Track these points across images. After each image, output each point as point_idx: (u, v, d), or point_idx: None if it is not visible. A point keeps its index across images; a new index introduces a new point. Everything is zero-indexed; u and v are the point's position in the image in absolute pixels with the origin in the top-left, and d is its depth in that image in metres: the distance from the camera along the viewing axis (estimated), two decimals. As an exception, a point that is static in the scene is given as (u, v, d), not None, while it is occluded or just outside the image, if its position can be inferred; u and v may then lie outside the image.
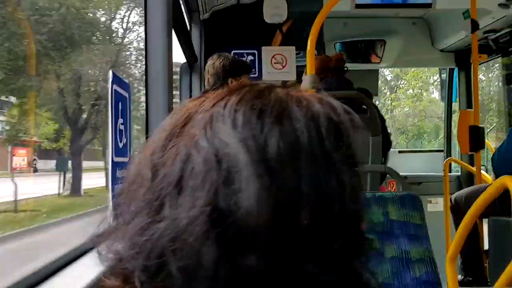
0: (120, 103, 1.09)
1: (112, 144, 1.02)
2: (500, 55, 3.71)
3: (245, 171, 0.39)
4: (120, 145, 1.08)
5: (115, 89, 1.05)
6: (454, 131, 4.07)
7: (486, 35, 3.57)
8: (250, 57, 3.45)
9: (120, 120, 1.08)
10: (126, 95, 1.47)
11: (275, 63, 3.41)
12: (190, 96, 3.27)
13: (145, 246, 0.40)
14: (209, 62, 2.58)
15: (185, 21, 2.73)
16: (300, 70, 3.09)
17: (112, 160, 1.03)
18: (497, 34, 3.55)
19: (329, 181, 0.41)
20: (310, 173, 0.40)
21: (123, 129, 1.16)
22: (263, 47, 3.41)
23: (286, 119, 0.42)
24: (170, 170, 0.42)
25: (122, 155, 1.08)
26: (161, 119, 0.50)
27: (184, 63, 3.38)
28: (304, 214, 0.40)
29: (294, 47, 3.42)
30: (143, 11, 1.44)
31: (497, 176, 2.63)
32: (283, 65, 3.41)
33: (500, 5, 3.14)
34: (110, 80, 1.02)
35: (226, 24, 3.43)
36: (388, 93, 19.02)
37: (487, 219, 2.67)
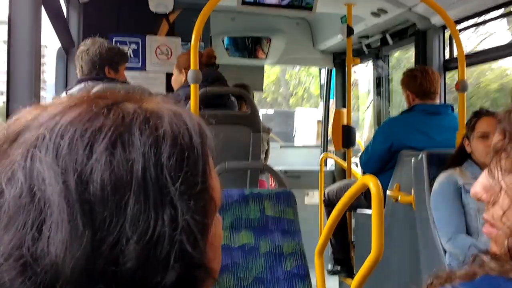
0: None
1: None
2: (371, 59, 4.02)
3: (56, 214, 0.36)
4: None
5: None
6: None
7: (360, 40, 3.85)
8: (134, 46, 3.31)
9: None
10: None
11: (159, 54, 3.32)
12: (66, 85, 3.04)
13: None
14: (82, 47, 2.41)
15: (59, 2, 2.52)
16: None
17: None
18: (370, 40, 3.85)
19: (159, 218, 0.38)
20: (137, 212, 0.38)
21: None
22: (147, 36, 3.30)
23: (120, 147, 0.38)
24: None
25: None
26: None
27: (59, 48, 3.14)
28: (127, 258, 0.37)
29: (180, 38, 3.36)
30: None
31: (364, 173, 2.86)
32: (168, 56, 3.34)
33: (372, 13, 3.41)
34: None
35: (108, 9, 3.25)
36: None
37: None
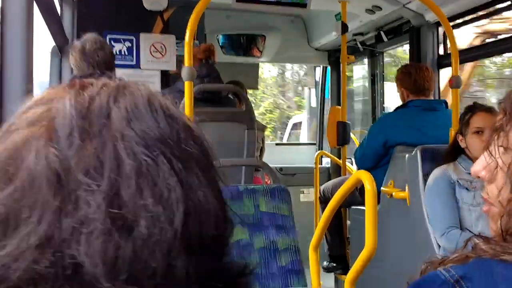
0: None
1: None
2: (366, 56, 4.03)
3: (196, 175, 0.41)
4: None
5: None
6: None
7: (355, 37, 3.86)
8: (128, 43, 3.30)
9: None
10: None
11: (154, 51, 3.31)
12: (60, 82, 3.03)
13: (114, 255, 0.36)
14: (78, 43, 2.39)
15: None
16: (181, 60, 3.04)
17: None
18: (364, 37, 3.86)
19: (211, 188, 0.42)
20: (203, 176, 0.41)
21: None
22: (141, 34, 3.29)
23: (189, 127, 0.43)
24: (116, 171, 0.38)
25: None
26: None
27: (54, 46, 3.13)
28: (206, 220, 0.40)
29: (174, 36, 3.35)
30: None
31: (359, 169, 2.87)
32: (163, 54, 3.33)
33: (367, 10, 3.42)
34: None
35: (102, 7, 3.24)
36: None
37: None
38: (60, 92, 0.42)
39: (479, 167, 0.64)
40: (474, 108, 2.04)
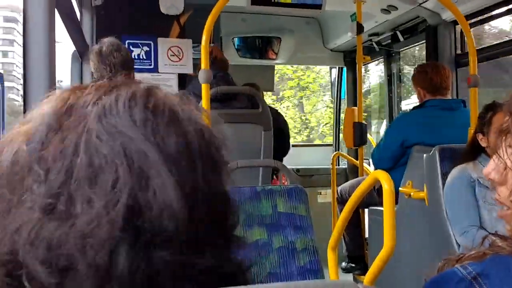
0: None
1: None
2: (382, 57, 4.01)
3: (156, 168, 0.40)
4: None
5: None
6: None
7: (370, 37, 3.85)
8: (146, 48, 3.35)
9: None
10: (-1, 85, 1.35)
11: (171, 55, 3.35)
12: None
13: (47, 242, 0.38)
14: (98, 47, 2.43)
15: (72, 6, 2.56)
16: (197, 63, 3.08)
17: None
18: (380, 37, 3.85)
19: (215, 178, 0.44)
20: (202, 170, 0.42)
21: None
22: (159, 38, 3.33)
23: (176, 122, 0.43)
24: (70, 163, 0.40)
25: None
26: None
27: (74, 51, 3.19)
28: (200, 210, 0.41)
29: (191, 40, 3.39)
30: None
31: (376, 170, 2.86)
32: (180, 57, 3.37)
33: (382, 10, 3.41)
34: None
35: (121, 12, 3.29)
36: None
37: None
38: (56, 95, 0.45)
39: (490, 169, 0.65)
40: (495, 107, 2.00)
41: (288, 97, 11.75)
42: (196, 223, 0.40)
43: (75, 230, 0.38)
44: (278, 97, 11.31)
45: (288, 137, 3.40)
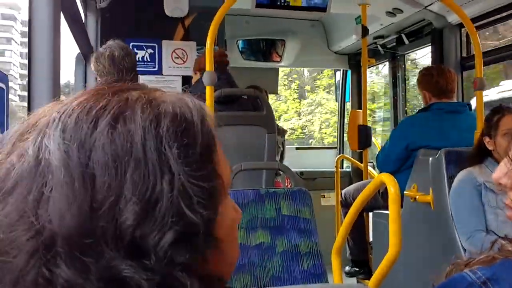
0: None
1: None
2: (387, 59, 4.00)
3: (56, 178, 0.40)
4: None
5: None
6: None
7: (375, 40, 3.84)
8: (150, 50, 3.35)
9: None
10: (4, 86, 1.35)
11: (175, 57, 3.36)
12: (85, 88, 3.09)
13: None
14: (103, 50, 2.44)
15: (78, 8, 2.57)
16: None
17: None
18: (385, 40, 3.83)
19: (157, 183, 0.41)
20: (137, 177, 0.41)
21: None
22: (163, 41, 3.34)
23: (121, 121, 0.42)
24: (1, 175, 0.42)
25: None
26: None
27: (78, 53, 3.20)
28: (126, 217, 0.40)
29: (195, 42, 3.39)
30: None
31: (381, 173, 2.84)
32: (184, 60, 3.37)
33: (387, 13, 3.39)
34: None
35: (125, 15, 3.30)
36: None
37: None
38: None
39: (500, 174, 0.63)
40: (503, 110, 1.99)
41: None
42: (111, 234, 0.40)
43: None
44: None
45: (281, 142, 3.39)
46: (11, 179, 0.41)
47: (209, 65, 2.29)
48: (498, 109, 2.02)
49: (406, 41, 3.60)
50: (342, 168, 4.28)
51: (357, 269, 3.08)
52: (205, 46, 2.30)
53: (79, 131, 0.41)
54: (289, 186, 3.52)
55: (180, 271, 0.41)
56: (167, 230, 0.41)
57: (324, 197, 4.08)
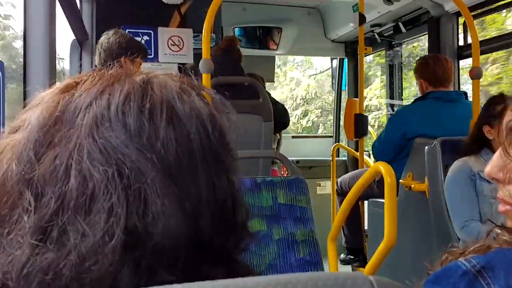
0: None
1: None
2: (384, 48, 3.98)
3: (154, 188, 0.36)
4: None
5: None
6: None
7: (372, 28, 3.82)
8: (146, 37, 3.32)
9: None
10: (-1, 73, 1.34)
11: (171, 45, 3.33)
12: (80, 76, 3.06)
13: (41, 276, 0.35)
14: (104, 37, 2.46)
15: (72, -6, 2.54)
16: (198, 53, 3.06)
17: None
18: (382, 28, 3.82)
19: (221, 181, 0.40)
20: (205, 176, 0.39)
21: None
22: (159, 28, 3.31)
23: (176, 121, 0.40)
24: (61, 189, 0.36)
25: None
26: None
27: (73, 40, 3.17)
28: (206, 221, 0.39)
29: (191, 30, 3.37)
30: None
31: (377, 162, 2.85)
32: (180, 47, 3.35)
33: (385, 1, 3.37)
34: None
35: (121, 1, 3.27)
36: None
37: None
38: (45, 98, 0.42)
39: (495, 168, 0.63)
40: (505, 99, 1.94)
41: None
42: (201, 234, 0.38)
43: (69, 264, 0.35)
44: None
45: (286, 115, 3.39)
46: (96, 197, 0.36)
47: (205, 53, 2.28)
48: (499, 98, 1.96)
49: (403, 30, 3.59)
50: (338, 156, 4.29)
51: (352, 257, 3.11)
52: (201, 33, 2.29)
53: (144, 134, 0.38)
54: (285, 175, 3.53)
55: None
56: (233, 232, 0.42)
57: (320, 185, 4.10)
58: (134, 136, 0.38)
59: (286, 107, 3.51)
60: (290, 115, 3.65)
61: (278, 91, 11.65)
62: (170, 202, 0.37)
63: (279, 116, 2.98)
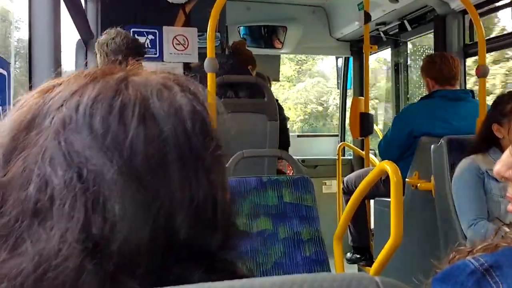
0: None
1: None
2: (389, 46, 3.97)
3: (116, 190, 0.35)
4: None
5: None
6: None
7: (377, 27, 3.81)
8: (151, 37, 3.33)
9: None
10: (5, 73, 1.34)
11: (176, 44, 3.33)
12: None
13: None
14: (105, 36, 2.45)
15: (78, -6, 2.55)
16: (203, 52, 3.06)
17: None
18: (387, 27, 3.80)
19: (200, 182, 0.39)
20: (182, 179, 0.38)
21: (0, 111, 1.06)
22: (164, 27, 3.31)
23: (150, 119, 0.38)
24: (22, 194, 0.35)
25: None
26: None
27: (79, 40, 3.18)
28: (180, 223, 0.37)
29: (196, 29, 3.37)
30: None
31: (383, 160, 2.83)
32: (185, 46, 3.35)
33: (390, -1, 3.36)
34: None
35: (126, 1, 3.28)
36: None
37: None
38: (24, 101, 0.41)
39: (504, 167, 0.62)
40: None
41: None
42: (175, 235, 0.37)
43: (28, 271, 0.34)
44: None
45: (287, 132, 3.33)
46: (54, 204, 0.35)
47: (210, 52, 2.28)
48: (508, 97, 1.94)
49: (409, 28, 3.57)
50: (344, 155, 4.29)
51: (358, 256, 3.10)
52: (206, 32, 2.29)
53: (112, 135, 0.37)
54: (291, 174, 3.53)
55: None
56: (216, 231, 0.41)
57: (325, 184, 4.09)
58: (99, 138, 0.37)
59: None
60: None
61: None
62: (132, 205, 0.35)
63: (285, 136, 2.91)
